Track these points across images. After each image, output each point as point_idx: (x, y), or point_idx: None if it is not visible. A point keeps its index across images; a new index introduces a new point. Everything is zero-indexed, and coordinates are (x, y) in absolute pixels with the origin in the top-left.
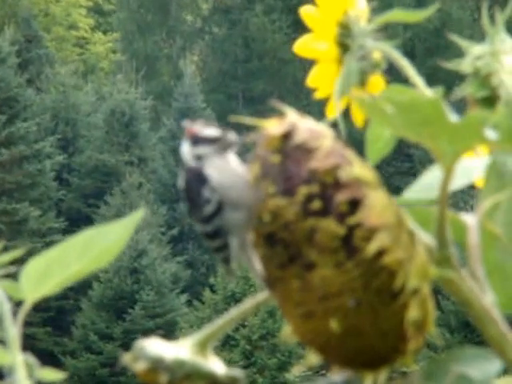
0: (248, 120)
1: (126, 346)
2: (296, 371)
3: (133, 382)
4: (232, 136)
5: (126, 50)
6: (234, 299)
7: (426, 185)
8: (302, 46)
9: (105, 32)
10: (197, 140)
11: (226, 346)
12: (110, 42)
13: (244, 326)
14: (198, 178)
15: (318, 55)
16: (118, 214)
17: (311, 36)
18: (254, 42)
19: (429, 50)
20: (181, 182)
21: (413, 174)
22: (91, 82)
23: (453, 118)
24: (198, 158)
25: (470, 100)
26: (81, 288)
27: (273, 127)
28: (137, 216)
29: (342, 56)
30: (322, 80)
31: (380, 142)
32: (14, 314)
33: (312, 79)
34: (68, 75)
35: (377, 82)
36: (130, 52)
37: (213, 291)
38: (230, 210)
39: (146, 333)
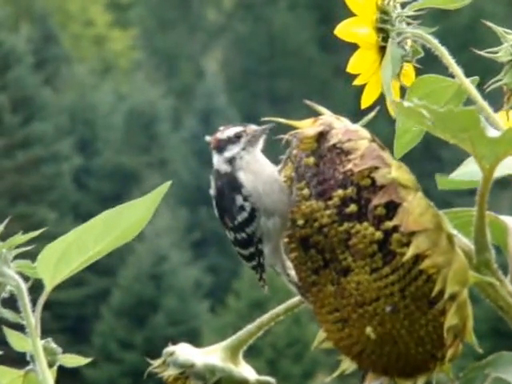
0: (281, 120)
1: (148, 354)
2: (320, 379)
3: None
4: (254, 127)
5: (146, 48)
6: (259, 305)
7: (466, 174)
8: (343, 30)
9: (123, 28)
10: (222, 145)
11: (250, 353)
12: (129, 39)
13: (268, 334)
14: (230, 185)
15: (358, 39)
16: None
17: (353, 20)
18: (279, 40)
19: (460, 45)
20: (212, 190)
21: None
22: (109, 81)
23: (488, 127)
24: (229, 161)
25: (506, 91)
26: (100, 295)
27: (307, 127)
28: (159, 192)
29: (380, 43)
30: (362, 67)
31: (408, 135)
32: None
33: (352, 66)
34: (85, 74)
35: (410, 71)
36: (149, 49)
37: (237, 297)
38: (264, 216)
39: (168, 340)
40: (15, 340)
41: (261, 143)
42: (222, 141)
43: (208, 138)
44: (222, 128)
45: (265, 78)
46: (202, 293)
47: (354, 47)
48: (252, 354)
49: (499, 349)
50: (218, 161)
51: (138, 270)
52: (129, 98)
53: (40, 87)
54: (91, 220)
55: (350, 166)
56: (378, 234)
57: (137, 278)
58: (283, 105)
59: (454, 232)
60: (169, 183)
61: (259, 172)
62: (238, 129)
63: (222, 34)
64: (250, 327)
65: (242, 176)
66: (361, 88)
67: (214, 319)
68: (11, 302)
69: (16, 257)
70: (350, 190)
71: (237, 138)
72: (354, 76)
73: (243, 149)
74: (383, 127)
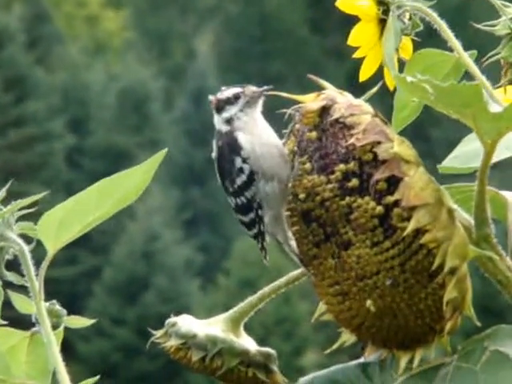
0: (284, 94)
1: (139, 330)
2: (310, 357)
3: (146, 367)
4: (253, 88)
5: (138, 28)
6: (249, 284)
7: (465, 153)
8: (344, 2)
9: (116, 8)
10: (221, 105)
11: None
12: (121, 19)
13: (258, 312)
14: (230, 146)
15: (359, 11)
16: None
17: None
18: (271, 21)
19: (454, 24)
20: (214, 153)
21: (430, 156)
22: (101, 61)
23: (491, 103)
24: (227, 121)
25: (503, 64)
26: (93, 272)
27: (310, 101)
28: (155, 160)
29: (380, 15)
30: (362, 39)
31: (406, 109)
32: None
33: (352, 39)
34: (78, 54)
35: (407, 44)
36: (141, 30)
37: (227, 276)
38: (262, 180)
39: (160, 317)
40: (19, 302)
41: (259, 105)
42: (221, 101)
43: (210, 98)
44: (223, 88)
45: (256, 59)
46: (192, 271)
47: (344, 28)
48: None
49: (490, 326)
50: (217, 121)
51: (130, 248)
52: (121, 78)
53: (32, 66)
54: (90, 187)
55: (352, 140)
56: (379, 209)
57: (129, 257)
58: (275, 85)
59: (455, 207)
60: (164, 151)
61: (258, 134)
62: (236, 90)
63: (214, 15)
64: (251, 299)
65: (241, 137)
66: (352, 68)
67: (205, 297)
68: (16, 266)
69: (18, 220)
70: (352, 165)
71: (235, 98)
72: (346, 57)
73: (241, 110)
74: (375, 104)
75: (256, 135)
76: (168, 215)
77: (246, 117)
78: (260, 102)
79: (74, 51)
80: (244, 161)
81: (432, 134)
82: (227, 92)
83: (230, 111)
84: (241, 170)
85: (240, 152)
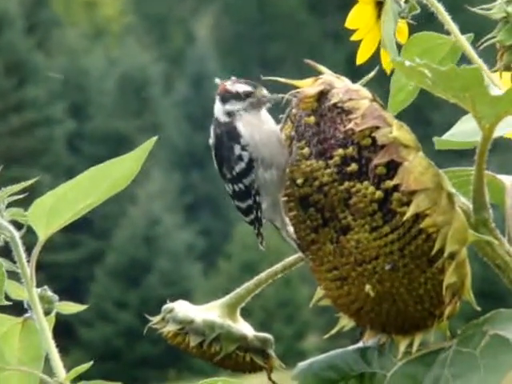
0: (282, 80)
1: (142, 314)
2: (312, 340)
3: (149, 351)
4: (264, 92)
5: (137, 12)
6: (250, 268)
7: (463, 132)
8: None
9: None
10: (227, 96)
11: (241, 315)
12: (120, 3)
13: (259, 296)
14: (229, 134)
15: None
16: (131, 182)
17: None
18: (270, 4)
19: (450, 8)
20: (211, 139)
21: (432, 140)
22: (101, 46)
23: (491, 85)
24: (229, 114)
25: (499, 48)
26: (95, 257)
27: (308, 86)
28: (145, 148)
29: None
30: (360, 22)
31: (402, 93)
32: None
33: (350, 21)
34: (77, 39)
35: (403, 27)
36: (140, 14)
37: (228, 260)
38: (261, 168)
39: (161, 301)
40: (12, 289)
41: (264, 109)
42: (229, 93)
43: (217, 81)
44: (233, 79)
45: (255, 42)
46: (194, 255)
47: (343, 11)
48: (243, 315)
49: (490, 311)
50: (218, 109)
51: (132, 232)
52: (120, 63)
53: (32, 51)
54: (80, 174)
55: (350, 125)
56: (379, 193)
57: (130, 241)
58: (274, 69)
59: (454, 191)
60: (154, 139)
61: (258, 125)
62: (248, 88)
63: None
64: (248, 284)
65: (241, 126)
66: (351, 51)
67: (206, 281)
68: (7, 252)
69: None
70: (351, 150)
71: (245, 96)
72: (345, 40)
73: (245, 109)
74: (374, 88)
75: (255, 125)
76: (169, 199)
77: (248, 116)
78: (264, 107)
79: (73, 36)
80: (243, 148)
81: (433, 118)
82: (238, 86)
83: (235, 106)
84: (240, 158)
85: (239, 140)
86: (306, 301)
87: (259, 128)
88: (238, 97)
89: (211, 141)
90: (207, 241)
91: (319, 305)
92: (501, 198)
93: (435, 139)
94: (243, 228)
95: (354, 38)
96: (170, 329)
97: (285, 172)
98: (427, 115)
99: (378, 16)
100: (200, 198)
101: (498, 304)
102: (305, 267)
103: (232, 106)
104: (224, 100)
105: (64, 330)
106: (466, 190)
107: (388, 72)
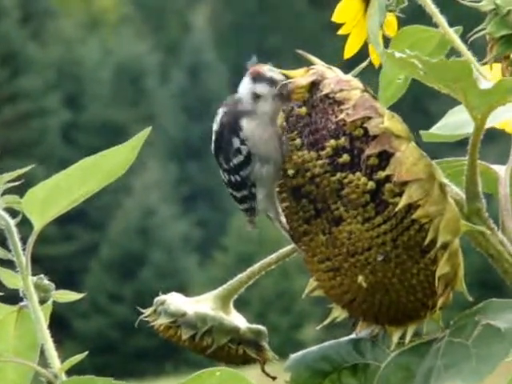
0: (275, 69)
1: (137, 307)
2: (310, 331)
3: (144, 344)
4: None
5: (133, 2)
6: (246, 260)
7: (453, 123)
8: None
9: None
10: (259, 79)
11: (238, 306)
12: None
13: (256, 286)
14: (231, 125)
15: None
16: (127, 173)
17: None
18: None
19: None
20: (215, 125)
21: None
22: (96, 36)
23: (480, 79)
24: (257, 96)
25: (489, 40)
26: (90, 249)
27: (299, 77)
28: (139, 138)
29: None
30: (347, 15)
31: (392, 86)
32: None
33: (337, 15)
34: (72, 29)
35: (392, 21)
36: (136, 4)
37: (224, 251)
38: (259, 162)
39: (157, 293)
40: (6, 277)
41: (288, 104)
42: (261, 77)
43: (250, 63)
44: (269, 65)
45: (253, 33)
46: (190, 247)
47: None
48: (240, 306)
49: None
50: (245, 89)
51: (127, 224)
52: (116, 53)
53: (26, 42)
54: (74, 165)
55: (342, 115)
56: (371, 184)
57: (125, 233)
58: (272, 59)
59: (446, 181)
60: (149, 128)
61: (261, 119)
62: (278, 77)
63: None
64: (240, 276)
65: (244, 121)
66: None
67: (202, 273)
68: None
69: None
70: (343, 140)
71: (273, 83)
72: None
73: (273, 97)
74: (371, 78)
75: (259, 121)
76: (165, 190)
77: (268, 106)
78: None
79: (68, 26)
80: (242, 142)
81: (431, 108)
82: (271, 72)
83: (264, 89)
84: (238, 151)
85: (239, 133)
86: (303, 291)
87: (262, 124)
88: (269, 81)
89: (215, 127)
90: (203, 232)
91: (316, 295)
92: (495, 187)
93: (421, 132)
94: (240, 220)
95: (341, 32)
96: (162, 322)
97: (281, 166)
98: (425, 105)
99: (366, 10)
100: (196, 189)
101: (498, 294)
102: (302, 258)
103: (261, 88)
104: (254, 81)
105: (59, 323)
106: (459, 181)
107: (376, 65)
